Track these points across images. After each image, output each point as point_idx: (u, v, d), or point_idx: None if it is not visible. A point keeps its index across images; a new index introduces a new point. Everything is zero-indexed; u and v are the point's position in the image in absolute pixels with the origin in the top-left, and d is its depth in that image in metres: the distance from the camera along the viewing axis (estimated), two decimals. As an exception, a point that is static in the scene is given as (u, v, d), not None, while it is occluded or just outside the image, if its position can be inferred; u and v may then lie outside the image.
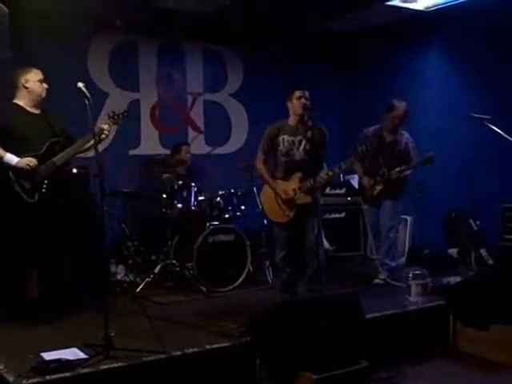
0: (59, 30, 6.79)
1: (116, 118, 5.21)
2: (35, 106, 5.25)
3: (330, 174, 5.40)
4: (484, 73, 7.44)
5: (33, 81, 5.15)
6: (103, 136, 5.16)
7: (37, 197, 5.07)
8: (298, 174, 5.49)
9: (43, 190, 5.09)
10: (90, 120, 4.31)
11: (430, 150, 6.35)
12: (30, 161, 5.01)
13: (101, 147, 4.94)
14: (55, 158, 5.14)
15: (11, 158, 4.99)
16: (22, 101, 5.18)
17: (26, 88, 5.14)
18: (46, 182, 5.10)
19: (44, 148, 5.15)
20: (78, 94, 4.32)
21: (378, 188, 6.24)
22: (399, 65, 8.33)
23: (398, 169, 6.10)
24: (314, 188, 5.40)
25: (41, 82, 5.20)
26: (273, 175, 5.69)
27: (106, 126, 5.14)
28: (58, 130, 5.27)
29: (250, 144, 8.02)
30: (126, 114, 5.26)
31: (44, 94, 5.24)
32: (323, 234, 5.99)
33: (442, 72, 7.92)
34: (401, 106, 6.20)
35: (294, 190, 5.47)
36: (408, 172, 6.15)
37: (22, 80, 5.12)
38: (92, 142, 5.05)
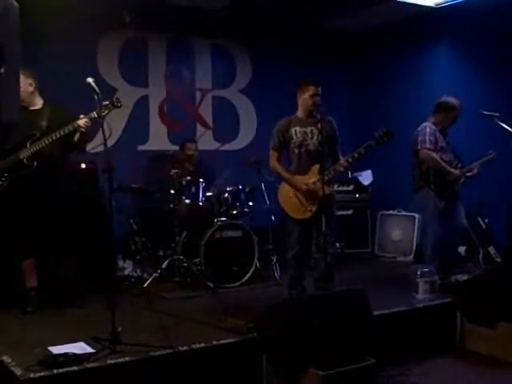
0: (69, 26, 6.81)
1: (104, 108, 4.85)
2: (28, 104, 5.27)
3: (350, 160, 5.31)
4: (495, 70, 7.40)
5: None
6: (76, 127, 5.10)
7: None
8: (316, 167, 5.42)
9: (0, 183, 5.16)
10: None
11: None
12: None
13: (109, 143, 4.94)
14: (21, 152, 5.16)
15: None
16: None
17: None
18: (5, 174, 5.15)
19: (17, 142, 5.19)
20: (88, 89, 4.34)
21: (462, 180, 6.14)
22: (409, 61, 8.32)
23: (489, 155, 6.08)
24: (334, 178, 5.37)
25: None
26: (288, 171, 5.55)
27: (81, 122, 5.05)
28: (48, 124, 5.23)
29: (258, 140, 8.03)
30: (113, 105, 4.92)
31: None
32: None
33: (452, 69, 7.90)
34: (458, 104, 6.17)
35: (313, 182, 5.37)
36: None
37: None
38: (76, 136, 5.15)
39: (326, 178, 5.25)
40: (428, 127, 6.15)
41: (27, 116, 5.22)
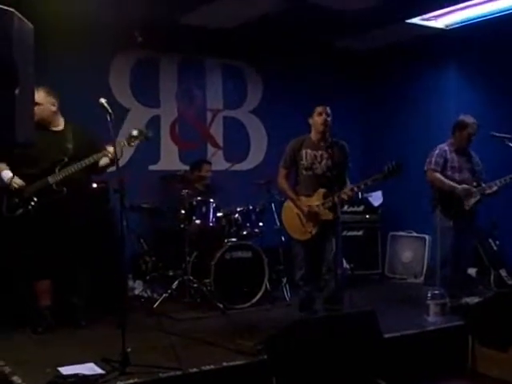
0: (81, 46, 6.86)
1: (133, 138, 4.99)
2: (51, 124, 5.27)
3: (356, 189, 5.35)
4: (505, 91, 7.42)
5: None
6: (107, 156, 5.15)
7: (20, 212, 5.12)
8: (322, 190, 5.44)
9: (29, 207, 5.11)
10: (112, 135, 4.37)
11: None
12: (15, 181, 5.12)
13: (120, 163, 4.94)
14: (49, 177, 5.15)
15: (5, 174, 5.16)
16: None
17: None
18: (35, 199, 5.12)
19: (45, 166, 5.17)
20: (100, 110, 4.37)
21: (474, 200, 6.07)
22: (420, 81, 8.33)
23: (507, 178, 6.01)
24: (338, 204, 5.35)
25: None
26: (294, 191, 5.63)
27: (111, 149, 5.00)
28: (74, 147, 5.23)
29: (268, 161, 8.04)
30: (144, 136, 5.04)
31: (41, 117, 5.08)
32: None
33: (461, 90, 7.91)
34: (471, 122, 6.14)
35: (317, 206, 5.42)
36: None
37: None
38: (103, 161, 5.21)
39: (329, 204, 5.29)
40: (438, 149, 6.17)
41: (52, 138, 5.23)
